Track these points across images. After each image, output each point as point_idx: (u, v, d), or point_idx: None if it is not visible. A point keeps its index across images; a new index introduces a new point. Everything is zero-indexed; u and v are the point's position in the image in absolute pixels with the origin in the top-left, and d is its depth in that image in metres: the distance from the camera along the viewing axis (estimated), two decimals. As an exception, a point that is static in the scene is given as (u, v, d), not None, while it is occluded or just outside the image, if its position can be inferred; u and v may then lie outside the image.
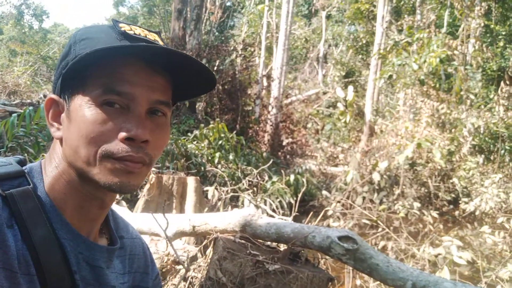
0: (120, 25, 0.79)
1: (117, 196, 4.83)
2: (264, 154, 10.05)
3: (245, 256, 2.37)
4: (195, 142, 7.73)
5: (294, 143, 12.75)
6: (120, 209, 3.72)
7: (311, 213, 4.64)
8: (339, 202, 7.16)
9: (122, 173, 0.76)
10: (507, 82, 9.38)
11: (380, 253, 2.40)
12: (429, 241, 5.56)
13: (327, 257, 2.57)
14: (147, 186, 4.41)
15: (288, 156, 12.08)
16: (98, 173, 0.75)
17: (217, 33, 22.55)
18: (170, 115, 0.83)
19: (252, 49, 15.81)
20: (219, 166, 7.20)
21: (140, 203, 4.41)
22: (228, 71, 12.89)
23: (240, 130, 11.49)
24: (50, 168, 0.80)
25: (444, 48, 9.47)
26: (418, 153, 8.79)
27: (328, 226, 6.22)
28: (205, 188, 5.65)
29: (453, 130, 9.53)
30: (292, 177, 7.58)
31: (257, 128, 12.17)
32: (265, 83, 13.82)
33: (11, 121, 4.72)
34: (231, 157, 7.64)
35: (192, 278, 2.60)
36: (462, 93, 10.10)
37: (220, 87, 11.89)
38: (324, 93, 17.90)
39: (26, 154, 4.54)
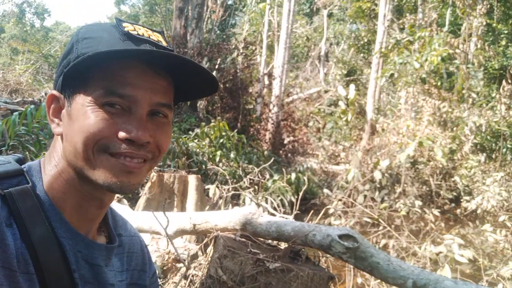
0: (124, 24, 0.79)
1: (118, 195, 4.84)
2: (265, 152, 10.05)
3: (245, 254, 2.37)
4: (196, 141, 7.73)
5: (295, 142, 12.74)
6: (121, 207, 3.73)
7: (312, 211, 4.63)
8: (340, 200, 7.16)
9: (121, 173, 0.76)
10: (509, 81, 9.36)
11: (381, 251, 2.40)
12: (431, 239, 5.56)
13: (328, 255, 2.57)
14: (148, 184, 4.41)
15: (289, 155, 12.09)
16: (97, 172, 0.75)
17: (218, 32, 22.55)
18: (172, 116, 0.84)
19: (254, 48, 15.80)
20: (220, 164, 7.20)
21: (141, 201, 4.42)
22: (229, 69, 12.89)
23: (242, 128, 11.49)
24: (50, 167, 0.80)
25: (445, 46, 9.45)
26: (420, 152, 8.77)
27: (330, 224, 6.22)
28: (206, 187, 5.66)
29: (454, 128, 9.51)
30: (293, 176, 7.58)
31: (259, 127, 12.18)
32: (266, 82, 13.82)
33: (13, 119, 4.73)
34: (232, 155, 7.64)
35: (192, 276, 2.60)
36: (463, 91, 10.08)
37: (222, 86, 11.89)
38: (326, 92, 17.89)
39: (27, 153, 4.55)
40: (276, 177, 7.13)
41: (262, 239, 2.67)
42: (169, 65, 0.78)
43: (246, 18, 19.83)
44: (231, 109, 12.06)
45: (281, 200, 6.33)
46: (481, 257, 5.19)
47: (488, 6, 11.21)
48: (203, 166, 6.80)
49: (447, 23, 14.15)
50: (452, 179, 9.10)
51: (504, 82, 9.43)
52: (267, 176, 7.45)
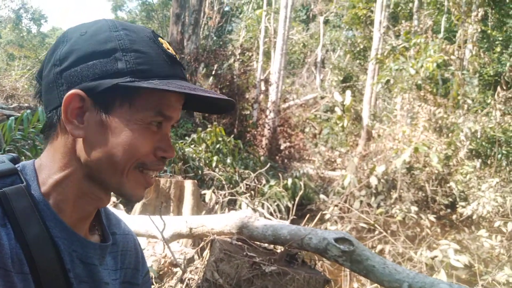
0: (161, 40, 0.81)
1: (115, 199, 4.83)
2: (262, 158, 10.06)
3: (241, 258, 2.38)
4: (192, 146, 7.73)
5: (291, 147, 12.77)
6: (117, 212, 3.72)
7: (308, 216, 4.64)
8: (336, 206, 7.17)
9: (145, 188, 0.83)
10: (504, 87, 9.43)
11: (376, 255, 2.41)
12: (426, 244, 5.57)
13: (324, 259, 2.58)
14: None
15: (285, 160, 12.10)
16: (127, 184, 0.79)
17: (215, 38, 22.60)
18: None
19: (250, 54, 15.86)
20: (217, 169, 7.21)
21: (137, 206, 4.41)
22: (226, 75, 12.94)
23: (238, 134, 11.50)
24: (54, 168, 0.79)
25: (441, 53, 9.51)
26: (415, 157, 8.80)
27: (326, 229, 6.21)
28: (203, 192, 5.65)
29: (450, 134, 9.55)
30: (289, 181, 7.60)
31: (255, 132, 12.19)
32: (263, 88, 13.87)
33: (9, 125, 4.71)
34: (228, 160, 7.64)
35: (189, 280, 2.60)
36: (459, 97, 10.14)
37: (218, 91, 11.91)
38: (322, 98, 17.93)
39: (23, 158, 4.53)
40: (272, 182, 7.14)
41: (258, 242, 2.68)
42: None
43: (243, 24, 19.92)
44: (227, 115, 12.07)
45: (278, 205, 6.34)
46: (477, 262, 5.21)
47: (483, 13, 11.29)
48: (200, 172, 6.80)
49: (442, 29, 14.25)
50: (448, 184, 9.12)
51: (499, 88, 9.50)
52: (264, 182, 7.46)
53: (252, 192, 6.65)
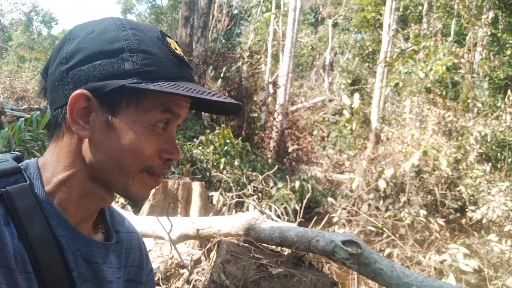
0: (168, 40, 0.80)
1: (123, 200, 4.86)
2: (270, 160, 10.06)
3: (248, 260, 2.37)
4: (200, 148, 7.75)
5: (299, 150, 12.75)
6: (125, 213, 3.73)
7: (315, 219, 4.63)
8: (344, 209, 7.14)
9: (151, 188, 0.82)
10: (514, 90, 9.34)
11: (384, 258, 2.39)
12: (435, 248, 5.53)
13: (332, 262, 2.57)
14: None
15: (293, 163, 12.09)
16: (133, 186, 0.79)
17: (223, 41, 22.69)
18: None
19: (259, 57, 15.88)
20: (224, 171, 7.21)
21: (145, 208, 4.42)
22: (234, 78, 12.97)
23: (246, 136, 11.51)
24: (58, 167, 0.78)
25: (450, 56, 9.46)
26: (424, 161, 8.74)
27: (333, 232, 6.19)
28: (210, 194, 5.66)
29: (459, 138, 9.48)
30: (297, 184, 7.57)
31: (263, 135, 12.20)
32: (271, 90, 13.88)
33: (18, 126, 4.75)
34: (236, 163, 7.65)
35: (195, 281, 2.60)
36: (469, 101, 10.06)
37: (227, 94, 11.94)
38: (330, 101, 17.91)
39: (32, 158, 4.56)
40: (280, 185, 7.12)
41: (265, 244, 2.67)
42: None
43: (251, 27, 19.96)
44: (235, 117, 12.09)
45: (285, 208, 6.32)
46: (486, 267, 5.15)
47: (493, 16, 11.22)
48: (207, 173, 6.81)
49: (452, 32, 14.18)
50: (457, 188, 9.04)
51: (509, 91, 9.42)
52: (271, 184, 7.45)
53: (260, 194, 6.65)
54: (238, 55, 14.43)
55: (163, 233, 2.71)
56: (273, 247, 2.73)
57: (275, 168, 7.80)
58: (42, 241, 0.72)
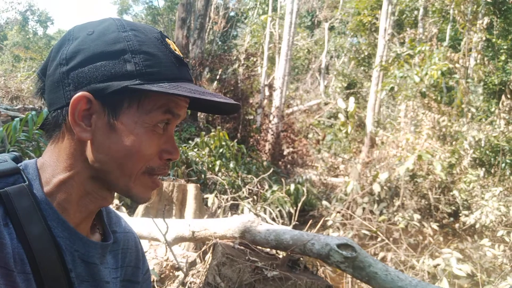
0: (168, 41, 0.81)
1: (117, 201, 4.84)
2: (265, 163, 10.06)
3: (244, 262, 2.37)
4: (196, 150, 7.74)
5: (295, 153, 12.77)
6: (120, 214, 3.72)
7: (310, 222, 4.64)
8: (339, 212, 7.15)
9: (152, 189, 0.83)
10: (508, 96, 9.41)
11: (378, 261, 2.40)
12: (429, 253, 5.54)
13: (326, 265, 2.57)
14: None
15: (288, 166, 12.10)
16: (135, 187, 0.80)
17: (220, 43, 22.71)
18: None
19: (255, 59, 15.90)
20: (220, 174, 7.21)
21: (140, 209, 4.41)
22: (230, 80, 12.98)
23: (241, 138, 11.52)
24: (58, 167, 0.78)
25: (445, 61, 9.51)
26: (419, 165, 8.78)
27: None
28: (205, 196, 5.65)
29: (454, 142, 9.53)
30: (292, 187, 7.59)
31: (258, 137, 12.20)
32: (267, 93, 13.89)
33: (13, 126, 4.73)
34: (231, 165, 7.65)
35: (190, 283, 2.60)
36: (463, 106, 10.13)
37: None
38: (326, 104, 17.95)
39: (27, 159, 4.54)
40: (275, 187, 7.13)
41: (260, 247, 2.67)
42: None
43: (248, 29, 20.00)
44: (231, 119, 12.10)
45: (280, 211, 6.33)
46: (479, 271, 5.17)
47: (488, 21, 11.29)
48: (203, 175, 6.80)
49: (447, 37, 14.27)
50: (451, 193, 9.08)
51: (503, 97, 9.48)
52: (266, 187, 7.45)
53: (255, 197, 6.65)
54: (235, 57, 14.45)
55: (158, 235, 2.71)
56: (268, 250, 2.73)
57: (270, 171, 7.80)
58: (40, 242, 0.72)
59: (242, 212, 5.57)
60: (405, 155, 8.25)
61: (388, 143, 9.98)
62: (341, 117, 11.86)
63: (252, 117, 13.24)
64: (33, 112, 5.16)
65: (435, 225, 7.48)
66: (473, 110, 10.66)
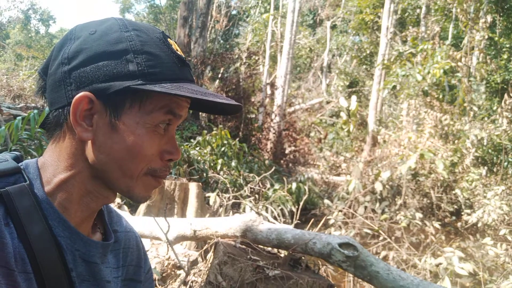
0: (170, 41, 0.80)
1: (119, 200, 4.85)
2: (267, 161, 10.06)
3: (245, 261, 2.37)
4: (197, 148, 7.74)
5: (296, 152, 12.76)
6: (121, 213, 3.72)
7: (312, 221, 4.63)
8: (341, 211, 7.14)
9: (152, 189, 0.83)
10: (511, 95, 9.38)
11: (380, 260, 2.40)
12: (431, 251, 5.54)
13: (328, 264, 2.57)
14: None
15: (290, 164, 12.09)
16: (136, 187, 0.80)
17: (222, 41, 22.71)
18: None
19: (257, 58, 15.89)
20: (221, 172, 7.21)
21: (141, 208, 4.42)
22: (232, 78, 12.98)
23: (243, 137, 11.52)
24: (59, 167, 0.78)
25: (448, 59, 9.49)
26: (421, 164, 8.76)
27: (330, 234, 6.19)
28: (207, 194, 5.66)
29: (456, 141, 9.51)
30: (294, 185, 7.58)
31: (260, 136, 12.20)
32: (268, 91, 13.88)
33: (16, 124, 4.73)
34: (233, 164, 7.65)
35: (192, 282, 2.60)
36: (465, 104, 10.10)
37: (224, 94, 11.94)
38: (328, 103, 17.93)
39: (29, 157, 4.54)
40: (276, 186, 7.12)
41: (262, 246, 2.67)
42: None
43: (250, 28, 19.98)
44: (233, 118, 12.09)
45: (282, 209, 6.32)
46: (482, 270, 5.16)
47: (491, 20, 11.26)
48: (204, 174, 6.80)
49: (449, 36, 14.23)
50: (453, 192, 9.08)
51: (506, 95, 9.45)
52: (268, 185, 7.45)
53: (256, 195, 6.65)
54: (236, 56, 14.44)
55: (160, 233, 2.71)
56: (270, 249, 2.73)
57: (272, 169, 7.80)
58: (41, 241, 0.72)
59: (243, 211, 5.56)
60: (407, 154, 8.24)
61: (390, 141, 9.97)
62: (343, 115, 11.82)
63: (254, 115, 13.24)
64: (35, 111, 5.15)
65: (437, 224, 7.47)
66: (475, 108, 10.64)
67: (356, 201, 7.80)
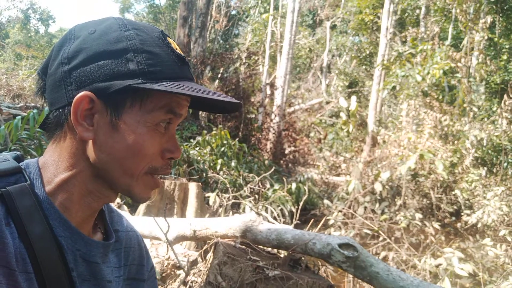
0: (169, 40, 0.81)
1: (119, 200, 4.84)
2: (266, 162, 10.06)
3: (245, 262, 2.37)
4: (197, 148, 7.74)
5: (296, 152, 12.76)
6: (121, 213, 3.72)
7: (311, 221, 4.63)
8: (340, 211, 7.14)
9: (153, 189, 0.83)
10: (510, 95, 9.38)
11: (380, 261, 2.39)
12: (431, 252, 5.54)
13: (328, 264, 2.57)
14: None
15: (290, 165, 12.09)
16: (137, 187, 0.80)
17: (221, 41, 22.71)
18: None
19: (256, 58, 15.89)
20: (221, 172, 7.21)
21: (141, 208, 4.41)
22: (231, 78, 12.98)
23: (243, 137, 11.52)
24: (60, 167, 0.78)
25: (447, 60, 9.49)
26: (421, 164, 8.77)
27: (329, 235, 6.19)
28: (207, 194, 5.65)
29: (455, 142, 9.52)
30: (293, 186, 7.58)
31: (260, 136, 12.20)
32: (268, 92, 13.88)
33: (15, 124, 4.73)
34: (233, 164, 7.65)
35: (192, 282, 2.59)
36: (465, 105, 10.11)
37: (224, 94, 11.94)
38: (327, 103, 17.93)
39: (29, 157, 4.54)
40: (276, 186, 7.12)
41: (262, 246, 2.67)
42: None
43: (249, 28, 19.98)
44: (232, 118, 12.10)
45: (281, 209, 6.32)
46: (481, 271, 5.17)
47: (491, 20, 11.26)
48: (204, 174, 6.80)
49: (449, 37, 14.24)
50: (453, 192, 9.08)
51: (505, 96, 9.45)
52: (268, 186, 7.45)
53: (256, 196, 6.64)
54: (236, 56, 14.44)
55: (160, 233, 2.71)
56: (270, 249, 2.73)
57: (272, 169, 7.80)
58: (42, 241, 0.72)
59: (243, 211, 5.56)
60: (406, 154, 8.24)
61: (390, 142, 9.97)
62: (343, 116, 11.83)
63: (253, 116, 13.24)
64: (35, 110, 5.16)
65: (436, 225, 7.47)
66: (475, 109, 10.65)
67: (356, 201, 7.80)
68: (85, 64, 0.74)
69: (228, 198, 5.75)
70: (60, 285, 0.74)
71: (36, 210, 0.73)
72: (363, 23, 17.60)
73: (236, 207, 6.12)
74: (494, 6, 12.91)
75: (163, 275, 2.87)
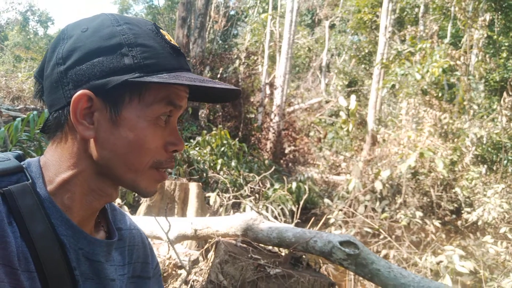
0: (163, 32, 0.80)
1: (119, 201, 4.85)
2: (266, 161, 10.06)
3: (246, 260, 2.37)
4: (197, 149, 7.74)
5: (296, 151, 12.77)
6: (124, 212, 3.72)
7: (312, 220, 4.64)
8: (341, 210, 7.14)
9: (159, 182, 0.83)
10: (510, 93, 9.38)
11: (381, 258, 2.40)
12: (431, 250, 5.54)
13: (329, 262, 2.57)
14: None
15: (290, 164, 12.09)
16: (141, 182, 0.80)
17: (220, 42, 22.71)
18: None
19: (255, 58, 15.88)
20: (221, 172, 7.21)
21: (142, 208, 4.42)
22: (231, 78, 12.98)
23: (243, 137, 11.52)
24: (62, 166, 0.78)
25: (447, 58, 9.49)
26: (421, 163, 8.76)
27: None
28: (207, 194, 5.66)
29: (455, 140, 9.51)
30: (294, 185, 7.57)
31: (260, 136, 12.20)
32: (268, 91, 13.88)
33: (15, 126, 4.73)
34: (233, 163, 7.65)
35: (193, 281, 2.60)
36: (464, 103, 10.10)
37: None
38: (327, 102, 17.93)
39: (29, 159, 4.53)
40: (276, 186, 7.12)
41: (263, 245, 2.67)
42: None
43: (248, 28, 19.98)
44: (232, 118, 12.10)
45: (282, 209, 6.32)
46: (482, 268, 5.17)
47: (490, 18, 11.26)
48: (204, 174, 6.80)
49: (448, 35, 14.24)
50: (453, 190, 9.08)
51: (505, 94, 9.45)
52: (268, 185, 7.45)
53: (257, 195, 6.65)
54: (235, 56, 14.44)
55: (161, 233, 2.71)
56: (271, 247, 2.73)
57: (272, 169, 7.80)
58: (44, 240, 0.72)
59: (244, 210, 5.56)
60: (406, 153, 8.24)
61: (390, 140, 9.96)
62: (343, 115, 11.83)
63: (253, 115, 13.24)
64: (35, 112, 5.15)
65: (437, 223, 7.47)
66: (474, 107, 10.64)
67: (356, 200, 7.80)
68: (80, 62, 0.74)
69: (229, 197, 5.76)
70: (62, 283, 0.74)
71: (38, 209, 0.73)
72: (362, 22, 17.61)
73: (236, 207, 6.12)
74: (493, 4, 12.91)
75: (165, 274, 2.87)
